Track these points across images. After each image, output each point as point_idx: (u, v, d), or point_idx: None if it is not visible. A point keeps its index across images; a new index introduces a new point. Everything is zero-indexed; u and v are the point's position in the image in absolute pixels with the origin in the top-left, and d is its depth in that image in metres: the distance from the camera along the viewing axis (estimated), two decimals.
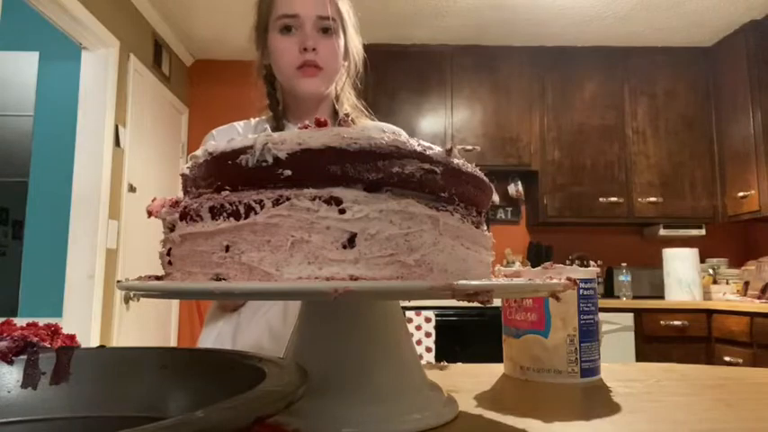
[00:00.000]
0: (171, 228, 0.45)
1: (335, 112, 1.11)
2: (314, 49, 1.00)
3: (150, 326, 3.41)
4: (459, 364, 0.82)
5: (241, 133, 1.09)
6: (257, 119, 1.13)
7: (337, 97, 1.12)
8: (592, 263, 3.62)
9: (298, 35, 1.01)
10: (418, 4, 3.23)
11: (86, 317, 2.68)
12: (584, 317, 0.65)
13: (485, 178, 0.48)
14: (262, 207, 0.39)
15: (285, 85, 1.06)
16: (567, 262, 3.54)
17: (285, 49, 1.01)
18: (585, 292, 0.65)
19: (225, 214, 0.41)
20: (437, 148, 0.43)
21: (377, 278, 0.38)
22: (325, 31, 1.02)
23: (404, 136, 0.43)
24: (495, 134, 3.63)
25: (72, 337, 0.44)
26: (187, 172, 0.46)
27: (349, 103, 1.13)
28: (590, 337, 0.65)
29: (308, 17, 1.00)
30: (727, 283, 3.47)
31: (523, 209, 3.92)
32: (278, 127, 1.07)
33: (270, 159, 0.40)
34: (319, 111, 1.09)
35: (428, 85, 3.65)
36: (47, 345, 0.43)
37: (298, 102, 1.08)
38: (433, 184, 0.42)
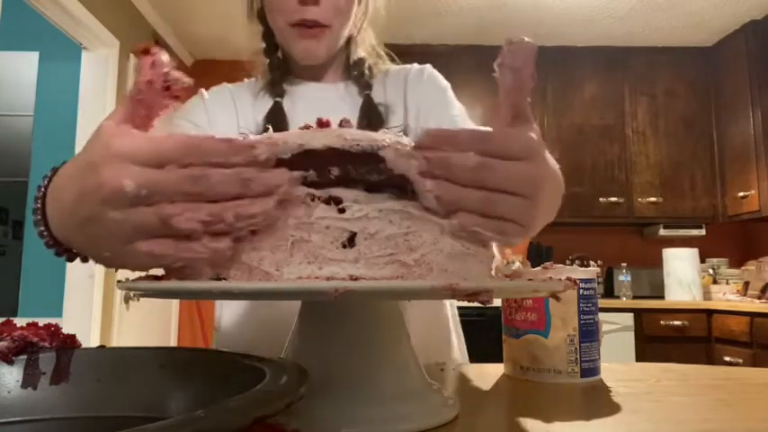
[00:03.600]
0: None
1: (348, 59, 0.92)
2: (316, 1, 0.79)
3: (150, 326, 3.41)
4: (460, 363, 0.82)
5: (231, 90, 0.91)
6: (250, 80, 0.94)
7: (351, 40, 0.90)
8: (592, 263, 3.62)
9: None
10: (418, 4, 3.23)
11: (86, 317, 2.68)
12: (585, 317, 0.65)
13: None
14: None
15: (282, 45, 0.87)
16: (567, 262, 3.54)
17: None
18: (585, 292, 0.65)
19: None
20: None
21: (377, 278, 0.38)
22: None
23: (406, 139, 0.42)
24: None
25: (72, 337, 0.44)
26: None
27: (365, 46, 0.93)
28: (590, 337, 0.65)
29: None
30: (728, 283, 3.47)
31: None
32: (273, 80, 0.88)
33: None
34: (329, 64, 0.90)
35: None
36: (47, 345, 0.43)
37: (295, 62, 0.88)
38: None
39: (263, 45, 0.90)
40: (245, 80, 0.95)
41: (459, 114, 0.88)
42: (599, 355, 0.66)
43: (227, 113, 0.88)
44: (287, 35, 0.82)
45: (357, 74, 0.91)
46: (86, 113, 2.76)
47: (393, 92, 0.92)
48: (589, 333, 0.65)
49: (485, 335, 3.06)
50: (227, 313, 0.85)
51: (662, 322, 3.12)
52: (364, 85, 0.90)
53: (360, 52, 0.92)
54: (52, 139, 3.58)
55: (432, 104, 0.90)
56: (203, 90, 0.90)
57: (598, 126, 3.66)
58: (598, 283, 3.66)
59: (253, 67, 0.93)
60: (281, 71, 0.89)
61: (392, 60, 0.97)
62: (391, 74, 0.96)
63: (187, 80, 0.41)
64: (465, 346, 0.94)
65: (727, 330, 2.98)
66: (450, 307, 0.93)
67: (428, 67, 0.97)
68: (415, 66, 0.97)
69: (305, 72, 0.91)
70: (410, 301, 0.66)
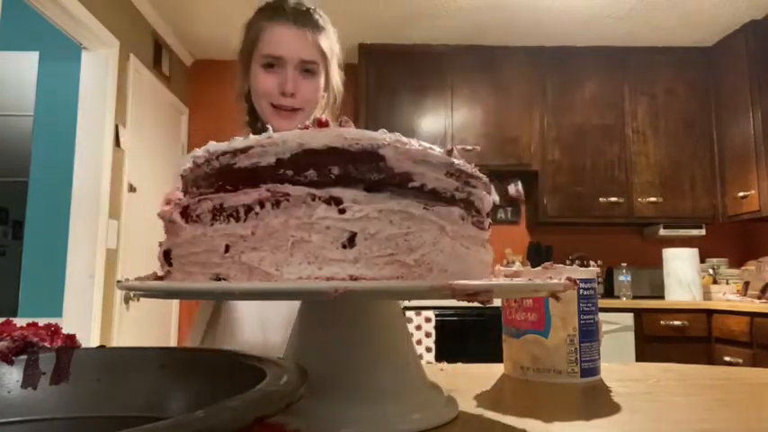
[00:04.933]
0: (171, 228, 0.45)
1: None
2: (292, 94, 1.01)
3: (150, 326, 3.42)
4: (459, 364, 0.82)
5: None
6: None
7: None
8: (592, 263, 3.62)
9: (279, 74, 1.02)
10: (418, 4, 3.23)
11: (86, 317, 2.68)
12: (585, 317, 0.65)
13: (485, 178, 0.48)
14: (262, 207, 0.39)
15: (262, 117, 1.07)
16: (567, 262, 3.54)
17: (265, 85, 1.02)
18: (585, 292, 0.65)
19: (225, 214, 0.41)
20: (437, 149, 0.43)
21: (377, 278, 0.38)
22: (307, 71, 1.03)
23: (404, 138, 0.43)
24: (495, 134, 3.63)
25: (72, 337, 0.44)
26: (182, 171, 0.46)
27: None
28: (590, 337, 0.65)
29: (292, 60, 1.01)
30: (727, 283, 3.47)
31: (523, 209, 3.92)
32: None
33: (272, 160, 0.40)
34: None
35: (428, 85, 3.65)
36: (47, 345, 0.43)
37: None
38: (434, 184, 0.42)
39: (247, 118, 1.10)
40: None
41: None
42: (599, 355, 0.66)
43: None
44: (267, 113, 1.04)
45: None
46: (86, 113, 2.76)
47: None
48: (589, 333, 0.65)
49: (485, 335, 3.06)
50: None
51: (662, 322, 3.12)
52: None
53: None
54: (52, 139, 3.58)
55: None
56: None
57: (598, 126, 3.66)
58: (598, 283, 3.67)
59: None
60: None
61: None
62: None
63: None
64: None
65: (727, 330, 2.97)
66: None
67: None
68: None
69: None
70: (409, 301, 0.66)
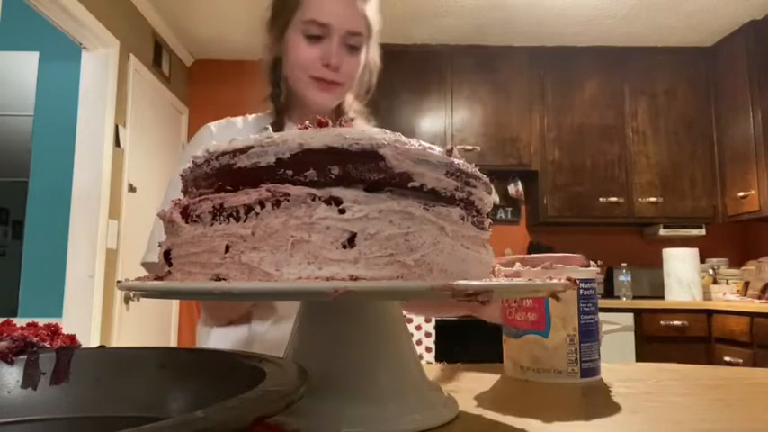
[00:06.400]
0: (171, 228, 0.45)
1: (337, 116, 1.06)
2: (336, 68, 0.94)
3: (150, 326, 3.42)
4: (459, 364, 0.82)
5: (240, 128, 1.04)
6: (255, 115, 1.07)
7: (342, 102, 1.06)
8: (592, 263, 3.61)
9: (323, 46, 0.94)
10: (418, 4, 3.23)
11: (86, 317, 2.68)
12: (585, 317, 0.65)
13: (485, 178, 0.48)
14: (262, 207, 0.39)
15: (294, 88, 1.00)
16: None
17: (307, 57, 0.94)
18: (585, 292, 0.65)
19: (225, 214, 0.41)
20: (437, 149, 0.43)
21: (377, 278, 0.38)
22: (352, 46, 0.96)
23: (405, 139, 0.43)
24: (495, 134, 3.63)
25: (72, 337, 0.44)
26: (184, 173, 0.46)
27: (352, 107, 1.09)
28: (590, 338, 0.65)
29: (338, 29, 0.93)
30: (727, 283, 3.47)
31: (523, 209, 3.92)
32: (278, 124, 1.01)
33: (272, 160, 0.40)
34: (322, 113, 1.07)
35: (428, 85, 3.65)
36: (47, 345, 0.43)
37: (302, 105, 1.02)
38: (434, 184, 0.42)
39: (271, 91, 1.03)
40: (248, 116, 1.07)
41: None
42: (599, 355, 0.66)
43: None
44: (305, 85, 0.97)
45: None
46: (86, 113, 2.76)
47: None
48: (589, 333, 0.65)
49: (485, 335, 3.06)
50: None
51: (662, 322, 3.12)
52: None
53: (351, 112, 1.07)
54: (52, 139, 3.58)
55: None
56: (210, 124, 1.03)
57: (598, 126, 3.66)
58: (598, 283, 3.66)
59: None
60: (284, 115, 1.03)
61: (367, 121, 1.11)
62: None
63: None
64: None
65: (728, 330, 2.97)
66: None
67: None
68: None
69: (304, 118, 0.98)
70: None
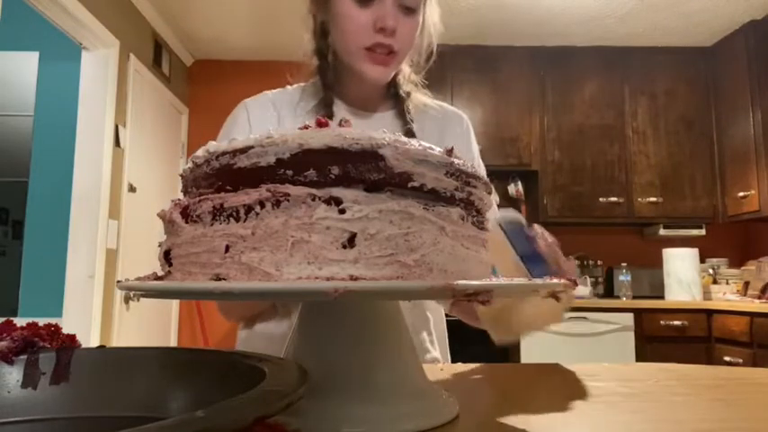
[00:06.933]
0: (171, 228, 0.45)
1: (390, 88, 0.97)
2: (393, 32, 0.84)
3: (150, 326, 3.42)
4: (459, 363, 0.82)
5: (271, 98, 0.95)
6: (295, 86, 0.97)
7: (397, 73, 0.96)
8: (591, 262, 3.62)
9: (375, 8, 0.83)
10: None
11: (86, 317, 2.68)
12: (522, 248, 0.63)
13: (485, 178, 0.48)
14: (262, 207, 0.39)
15: (345, 60, 0.89)
16: None
17: (357, 22, 0.83)
18: (512, 231, 0.64)
19: (225, 214, 0.41)
20: (437, 149, 0.43)
21: (377, 278, 0.38)
22: (408, 8, 0.86)
23: (404, 138, 0.43)
24: (495, 134, 3.63)
25: (72, 337, 0.44)
26: (183, 173, 0.46)
27: (409, 78, 1.00)
28: (537, 261, 0.62)
29: None
30: (727, 283, 3.47)
31: (523, 209, 3.92)
32: (326, 102, 0.91)
33: (272, 160, 0.40)
34: (377, 89, 0.94)
35: (428, 85, 3.65)
36: (47, 345, 0.43)
37: (355, 80, 0.91)
38: (434, 184, 0.42)
39: (317, 62, 0.92)
40: (287, 87, 0.97)
41: (478, 166, 0.94)
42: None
43: (270, 123, 0.91)
44: (357, 57, 0.86)
45: (402, 107, 0.96)
46: (86, 113, 2.76)
47: (430, 129, 0.98)
48: (534, 257, 0.63)
49: (485, 335, 3.06)
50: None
51: (662, 322, 3.12)
52: (407, 118, 0.95)
53: (407, 84, 0.98)
54: (52, 139, 3.58)
55: (463, 154, 0.94)
56: (246, 101, 0.94)
57: (598, 126, 3.66)
58: (598, 283, 3.67)
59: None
60: (332, 91, 0.93)
61: (423, 86, 1.03)
62: (429, 110, 1.02)
63: None
64: (447, 345, 0.97)
65: (728, 330, 2.97)
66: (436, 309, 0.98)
67: (465, 117, 1.09)
68: (452, 109, 1.07)
69: (352, 94, 0.95)
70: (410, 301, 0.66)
